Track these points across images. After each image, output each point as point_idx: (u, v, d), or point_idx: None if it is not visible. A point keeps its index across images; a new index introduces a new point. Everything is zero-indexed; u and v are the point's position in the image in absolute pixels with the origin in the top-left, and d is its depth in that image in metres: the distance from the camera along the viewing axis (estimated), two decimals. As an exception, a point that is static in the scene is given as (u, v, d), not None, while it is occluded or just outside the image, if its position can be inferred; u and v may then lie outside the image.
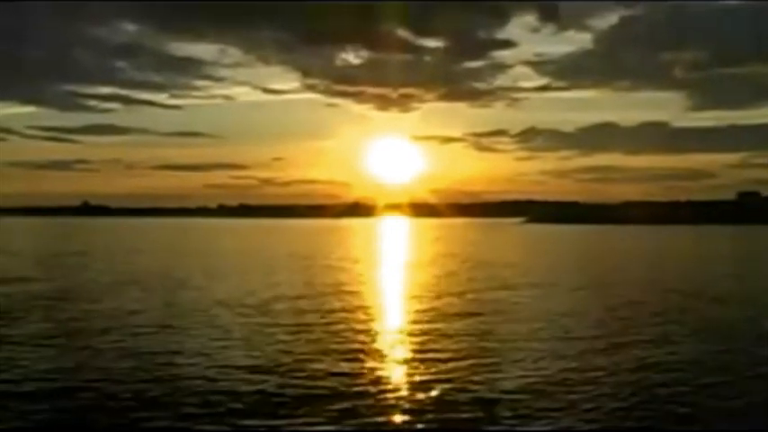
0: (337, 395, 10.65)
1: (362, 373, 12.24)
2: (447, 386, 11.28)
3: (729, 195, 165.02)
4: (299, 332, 16.33)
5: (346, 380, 11.69)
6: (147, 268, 35.05)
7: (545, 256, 49.06)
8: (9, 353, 13.78)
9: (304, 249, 54.19)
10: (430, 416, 9.82)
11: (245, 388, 11.21)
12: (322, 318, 18.50)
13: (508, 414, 9.89)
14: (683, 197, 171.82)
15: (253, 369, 12.49)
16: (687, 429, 9.49)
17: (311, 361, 13.16)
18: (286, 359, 13.31)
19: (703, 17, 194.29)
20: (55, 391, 10.97)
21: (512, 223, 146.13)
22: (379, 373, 12.40)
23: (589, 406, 10.25)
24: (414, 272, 34.80)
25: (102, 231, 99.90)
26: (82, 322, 17.74)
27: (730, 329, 17.01)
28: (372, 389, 11.26)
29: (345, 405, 10.15)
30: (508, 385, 11.43)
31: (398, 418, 9.82)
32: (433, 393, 10.94)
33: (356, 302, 21.73)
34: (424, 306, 21.02)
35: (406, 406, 10.36)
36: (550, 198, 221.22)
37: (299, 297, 22.95)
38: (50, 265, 37.81)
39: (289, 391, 11.07)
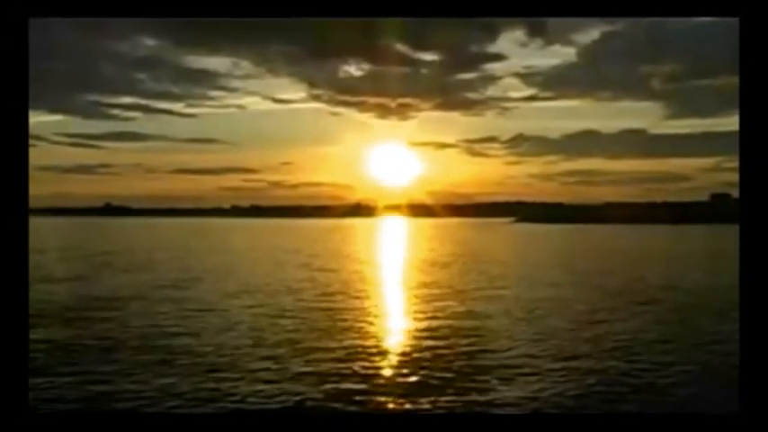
0: (340, 392, 10.68)
1: (361, 370, 12.36)
2: (447, 384, 11.41)
3: (703, 197, 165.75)
4: (304, 327, 16.54)
5: (349, 376, 11.80)
6: (168, 265, 35.24)
7: (534, 253, 49.21)
8: (38, 349, 13.78)
9: (310, 247, 54.34)
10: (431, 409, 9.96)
11: (254, 382, 11.40)
12: (328, 314, 18.67)
13: (504, 397, 10.11)
14: (659, 198, 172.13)
15: (258, 368, 12.66)
16: (651, 412, 9.68)
17: (317, 357, 13.30)
18: (293, 356, 13.50)
19: (680, 33, 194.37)
20: (85, 387, 11.06)
21: (502, 223, 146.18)
22: (377, 371, 12.58)
23: (577, 391, 10.48)
24: (412, 268, 34.97)
25: (123, 230, 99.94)
26: (112, 322, 17.90)
27: (698, 316, 17.21)
28: (371, 384, 11.44)
29: (348, 401, 10.20)
30: (502, 366, 11.68)
31: (399, 409, 10.01)
32: (434, 386, 11.11)
33: (357, 297, 21.95)
34: (422, 301, 21.24)
35: (408, 396, 10.54)
36: (537, 199, 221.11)
37: (302, 290, 23.16)
38: (80, 263, 37.97)
39: (294, 388, 11.24)
